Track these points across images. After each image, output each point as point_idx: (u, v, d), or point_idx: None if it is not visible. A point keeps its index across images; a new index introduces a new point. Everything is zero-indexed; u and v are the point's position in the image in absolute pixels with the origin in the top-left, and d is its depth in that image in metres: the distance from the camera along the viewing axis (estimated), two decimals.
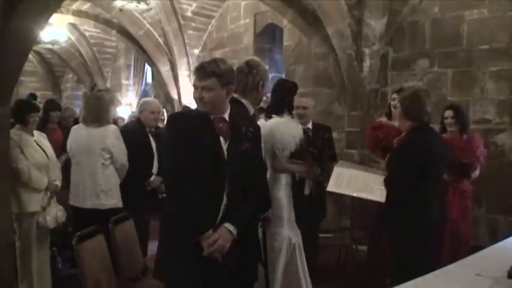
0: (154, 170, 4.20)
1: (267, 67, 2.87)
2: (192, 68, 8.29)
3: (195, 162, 2.18)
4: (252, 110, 2.78)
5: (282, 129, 3.16)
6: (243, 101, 2.74)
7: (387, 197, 2.95)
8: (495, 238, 3.94)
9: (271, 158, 3.14)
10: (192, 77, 2.32)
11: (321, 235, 4.36)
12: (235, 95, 2.75)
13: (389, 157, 3.18)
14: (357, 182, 3.10)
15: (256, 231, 2.76)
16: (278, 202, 3.08)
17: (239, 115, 2.54)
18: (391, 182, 2.91)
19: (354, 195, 3.04)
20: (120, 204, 3.72)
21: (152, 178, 4.15)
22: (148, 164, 4.16)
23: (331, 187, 3.06)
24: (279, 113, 3.27)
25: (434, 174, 2.92)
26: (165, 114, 7.53)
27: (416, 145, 2.85)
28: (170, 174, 2.28)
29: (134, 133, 4.18)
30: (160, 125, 5.89)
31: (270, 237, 3.06)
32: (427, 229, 2.84)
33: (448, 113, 3.92)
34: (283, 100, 3.36)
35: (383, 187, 2.95)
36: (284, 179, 3.24)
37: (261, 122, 3.17)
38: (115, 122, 5.15)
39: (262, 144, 2.81)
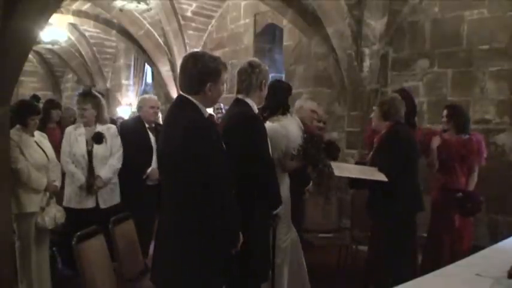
0: (154, 164, 4.19)
1: (267, 68, 2.89)
2: None
3: (225, 164, 2.19)
4: (256, 110, 2.79)
5: (293, 130, 3.26)
6: (248, 100, 2.75)
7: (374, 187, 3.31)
8: (495, 238, 3.94)
9: (282, 158, 3.20)
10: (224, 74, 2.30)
11: (320, 235, 4.37)
12: (240, 96, 2.76)
13: (373, 153, 3.44)
14: (357, 171, 3.42)
15: (267, 230, 2.80)
16: (284, 201, 3.11)
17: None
18: (384, 166, 3.23)
19: (359, 177, 3.27)
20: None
21: (149, 170, 4.14)
22: (147, 158, 4.17)
23: (338, 173, 3.20)
24: (278, 113, 3.29)
25: (417, 162, 3.44)
26: (159, 114, 7.48)
27: (401, 136, 3.30)
28: (220, 181, 2.13)
29: (133, 129, 4.26)
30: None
31: (277, 235, 3.10)
32: (415, 210, 3.35)
33: (444, 112, 3.97)
34: (282, 101, 3.38)
35: (379, 173, 3.24)
36: (287, 179, 3.28)
37: (267, 123, 3.21)
38: (113, 122, 5.16)
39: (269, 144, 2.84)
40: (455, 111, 3.96)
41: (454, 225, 3.83)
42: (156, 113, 4.39)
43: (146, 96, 4.86)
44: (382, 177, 3.16)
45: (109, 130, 4.00)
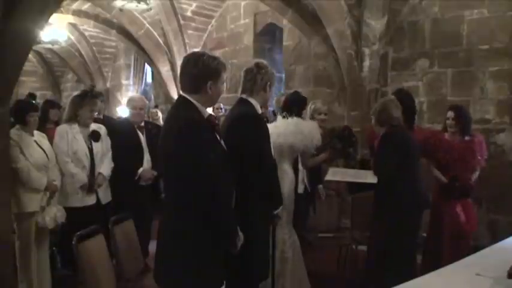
0: (146, 164, 4.22)
1: (273, 71, 2.92)
2: None
3: (222, 164, 2.20)
4: (259, 110, 2.80)
5: (317, 132, 3.51)
6: (251, 100, 2.76)
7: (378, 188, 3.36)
8: (495, 238, 3.94)
9: (302, 156, 3.48)
10: (224, 74, 2.31)
11: (320, 235, 4.37)
12: (243, 95, 2.79)
13: (374, 159, 3.48)
14: (350, 174, 3.55)
15: (267, 230, 2.82)
16: (286, 198, 3.17)
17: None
18: (380, 172, 3.29)
19: (349, 180, 3.42)
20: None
21: (141, 170, 4.16)
22: (138, 159, 4.18)
23: (329, 176, 3.45)
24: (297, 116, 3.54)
25: (415, 162, 3.42)
26: (159, 114, 7.52)
27: (394, 140, 3.31)
28: (211, 181, 2.10)
29: (121, 130, 4.27)
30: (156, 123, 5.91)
31: (280, 232, 3.13)
32: (417, 210, 3.35)
33: (449, 114, 3.92)
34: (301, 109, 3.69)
35: (373, 175, 3.34)
36: (290, 175, 3.31)
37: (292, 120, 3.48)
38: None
39: (272, 142, 2.89)
40: (462, 113, 3.93)
41: (455, 224, 3.83)
42: (140, 114, 4.31)
43: (133, 96, 4.93)
44: (372, 179, 3.22)
45: (101, 129, 4.06)
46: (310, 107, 4.37)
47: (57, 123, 5.26)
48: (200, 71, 2.22)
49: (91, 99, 3.95)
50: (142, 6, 7.61)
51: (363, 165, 3.89)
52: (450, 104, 4.30)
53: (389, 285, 2.09)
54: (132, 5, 7.55)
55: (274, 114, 4.74)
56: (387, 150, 3.30)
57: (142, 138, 4.26)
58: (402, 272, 2.93)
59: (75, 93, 4.27)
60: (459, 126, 3.88)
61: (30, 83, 12.72)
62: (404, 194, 3.24)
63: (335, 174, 3.45)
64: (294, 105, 3.59)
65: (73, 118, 3.89)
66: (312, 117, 4.12)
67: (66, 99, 12.83)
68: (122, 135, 4.18)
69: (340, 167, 4.28)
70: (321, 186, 4.43)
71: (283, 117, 3.55)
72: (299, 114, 3.59)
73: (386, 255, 3.31)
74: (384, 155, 3.30)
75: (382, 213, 3.34)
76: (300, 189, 3.88)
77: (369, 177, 3.30)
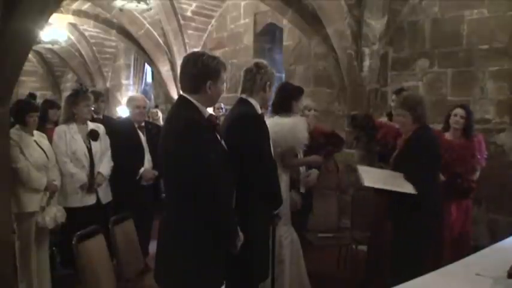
0: (147, 164, 4.22)
1: (273, 71, 2.91)
2: None
3: (222, 164, 2.20)
4: (259, 110, 2.81)
5: (302, 129, 3.36)
6: (251, 100, 2.77)
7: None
8: (495, 238, 3.94)
9: (289, 156, 3.33)
10: (224, 73, 2.31)
11: (320, 235, 4.37)
12: (243, 95, 2.79)
13: (397, 156, 3.27)
14: (386, 179, 3.21)
15: (267, 230, 2.82)
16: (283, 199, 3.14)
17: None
18: (415, 176, 3.02)
19: (391, 189, 3.09)
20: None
21: (142, 170, 4.16)
22: (138, 158, 4.18)
23: (368, 182, 3.11)
24: (281, 111, 3.37)
25: (441, 165, 3.29)
26: (160, 114, 7.53)
27: (430, 145, 3.14)
28: (211, 181, 2.10)
29: (122, 129, 4.26)
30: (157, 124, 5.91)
31: (276, 234, 3.13)
32: (440, 215, 3.20)
33: (459, 111, 3.85)
34: (281, 100, 3.44)
35: (407, 182, 3.07)
36: (285, 176, 3.30)
37: (273, 119, 3.32)
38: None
39: (271, 142, 2.88)
40: (470, 113, 3.91)
41: (455, 224, 3.83)
42: (143, 113, 4.31)
43: (134, 95, 4.90)
44: (410, 189, 3.01)
45: (99, 128, 4.07)
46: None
47: (56, 123, 5.27)
48: (200, 71, 2.22)
49: (84, 95, 3.98)
50: (142, 6, 7.60)
51: (382, 159, 3.83)
52: (457, 104, 4.26)
53: (390, 285, 2.09)
54: (132, 5, 7.54)
55: None
56: (422, 160, 3.04)
57: (143, 138, 4.26)
58: (412, 273, 2.87)
59: (68, 93, 4.29)
60: (466, 125, 3.85)
61: (30, 83, 12.73)
62: (430, 197, 3.06)
63: (370, 179, 3.14)
64: (282, 99, 3.42)
65: (71, 118, 3.91)
66: (303, 115, 4.09)
67: None
68: (123, 135, 4.19)
69: (354, 158, 4.17)
70: (315, 170, 4.26)
71: (271, 116, 3.42)
72: (289, 107, 3.42)
73: (399, 256, 3.19)
74: (419, 165, 3.03)
75: (400, 214, 3.14)
76: (301, 189, 3.88)
77: (404, 185, 3.06)
